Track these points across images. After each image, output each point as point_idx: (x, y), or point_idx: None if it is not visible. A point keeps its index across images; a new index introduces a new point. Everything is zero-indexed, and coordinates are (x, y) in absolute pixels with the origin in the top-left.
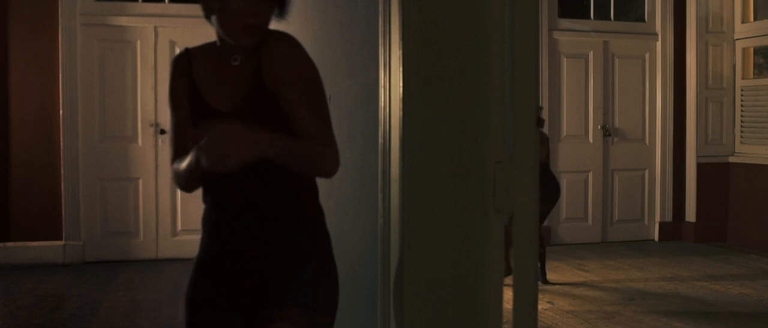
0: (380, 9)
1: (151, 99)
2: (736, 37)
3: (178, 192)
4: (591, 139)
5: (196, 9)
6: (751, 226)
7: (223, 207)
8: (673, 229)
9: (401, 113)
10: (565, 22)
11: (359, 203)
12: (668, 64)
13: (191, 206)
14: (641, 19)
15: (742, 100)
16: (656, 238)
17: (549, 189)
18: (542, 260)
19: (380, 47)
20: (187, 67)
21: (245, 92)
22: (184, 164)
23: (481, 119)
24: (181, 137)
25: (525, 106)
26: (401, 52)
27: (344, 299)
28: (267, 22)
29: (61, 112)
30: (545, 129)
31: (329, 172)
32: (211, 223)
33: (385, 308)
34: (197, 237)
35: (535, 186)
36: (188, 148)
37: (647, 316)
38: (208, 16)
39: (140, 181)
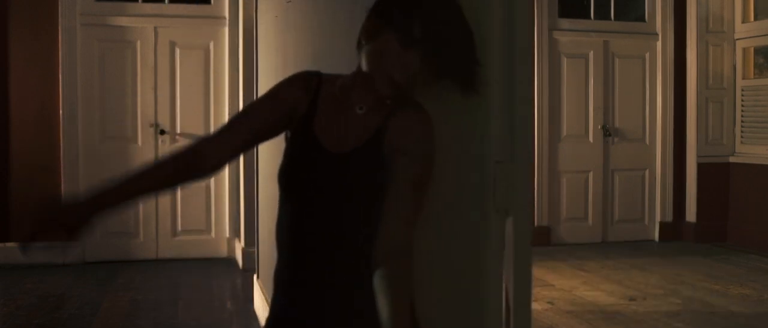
0: None
1: (151, 99)
2: (736, 37)
3: (178, 193)
4: (591, 139)
5: (196, 9)
6: (751, 226)
7: (298, 266)
8: (674, 229)
9: None
10: (566, 22)
11: None
12: (668, 64)
13: (191, 206)
14: (641, 19)
15: (742, 100)
16: (656, 238)
17: None
18: None
19: None
20: (315, 87)
21: (362, 142)
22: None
23: (481, 119)
24: (236, 132)
25: (525, 106)
26: None
27: None
28: (411, 83)
29: (61, 112)
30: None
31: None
32: (283, 280)
33: None
34: (197, 237)
35: (531, 185)
36: (232, 146)
37: (647, 316)
38: (358, 48)
39: None
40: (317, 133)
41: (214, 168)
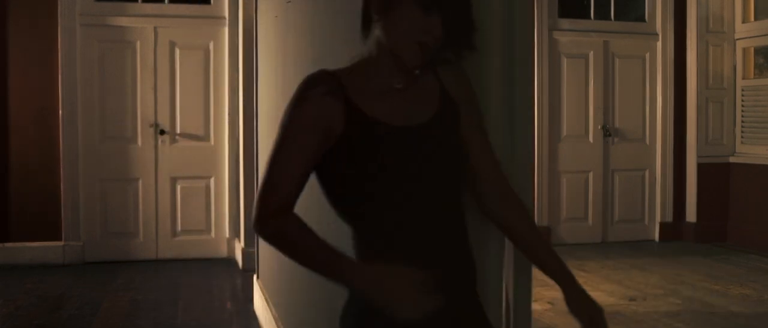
0: None
1: (151, 99)
2: (736, 37)
3: (178, 192)
4: (591, 139)
5: (196, 9)
6: (751, 226)
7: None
8: (674, 229)
9: None
10: (566, 22)
11: None
12: (668, 64)
13: (191, 207)
14: (641, 19)
15: (742, 100)
16: (657, 238)
17: None
18: None
19: None
20: (337, 87)
21: (434, 110)
22: (320, 252)
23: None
24: (294, 175)
25: (525, 107)
26: None
27: (344, 298)
28: (438, 43)
29: (60, 112)
30: None
31: None
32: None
33: None
34: (197, 237)
35: (531, 185)
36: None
37: (647, 316)
38: (366, 27)
39: (140, 181)
40: (380, 117)
41: None
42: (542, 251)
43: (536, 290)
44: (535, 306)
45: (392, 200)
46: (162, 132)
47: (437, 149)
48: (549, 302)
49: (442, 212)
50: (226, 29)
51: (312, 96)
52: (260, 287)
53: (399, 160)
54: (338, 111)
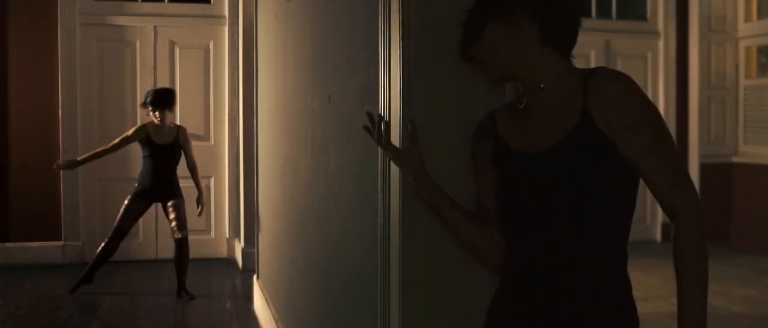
0: (380, 9)
1: None
2: (739, 36)
3: None
4: None
5: (196, 9)
6: (754, 226)
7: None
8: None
9: (401, 113)
10: None
11: (359, 203)
12: (670, 64)
13: (191, 206)
14: (643, 18)
15: (745, 100)
16: (659, 238)
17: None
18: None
19: (380, 47)
20: (490, 127)
21: (565, 134)
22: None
23: (481, 119)
24: (481, 202)
25: None
26: (401, 52)
27: (344, 298)
28: (514, 59)
29: (60, 112)
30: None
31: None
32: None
33: (385, 308)
34: (197, 237)
35: None
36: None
37: (649, 317)
38: (469, 58)
39: None
40: (514, 147)
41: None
42: (689, 295)
43: None
44: None
45: (518, 221)
46: None
47: (560, 177)
48: None
49: (572, 236)
50: (226, 29)
51: (473, 139)
52: (260, 287)
53: (520, 184)
54: (488, 148)
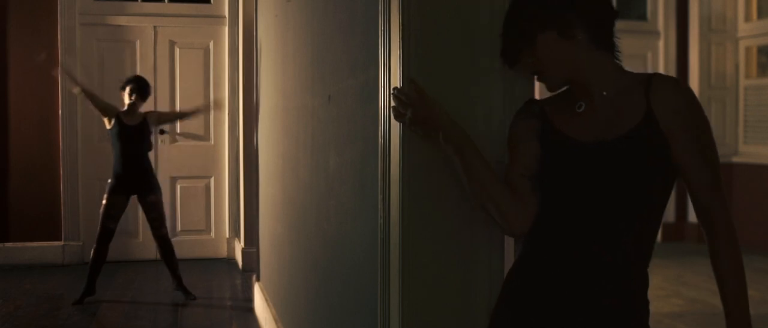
0: (380, 9)
1: (151, 99)
2: (739, 36)
3: (178, 192)
4: None
5: (196, 9)
6: (754, 227)
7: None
8: (676, 230)
9: None
10: None
11: (359, 203)
12: (670, 63)
13: (191, 207)
14: (643, 17)
15: (745, 100)
16: (659, 239)
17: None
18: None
19: (380, 47)
20: (538, 111)
21: (627, 130)
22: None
23: (482, 119)
24: (516, 179)
25: None
26: (401, 52)
27: (344, 299)
28: (572, 67)
29: (60, 112)
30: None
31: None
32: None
33: (385, 308)
34: (196, 238)
35: None
36: (514, 184)
37: (650, 317)
38: (513, 64)
39: None
40: (569, 133)
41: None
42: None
43: None
44: None
45: (563, 206)
46: (162, 132)
47: (617, 167)
48: None
49: (609, 227)
50: (226, 28)
51: (518, 115)
52: (260, 288)
53: (570, 168)
54: (534, 126)
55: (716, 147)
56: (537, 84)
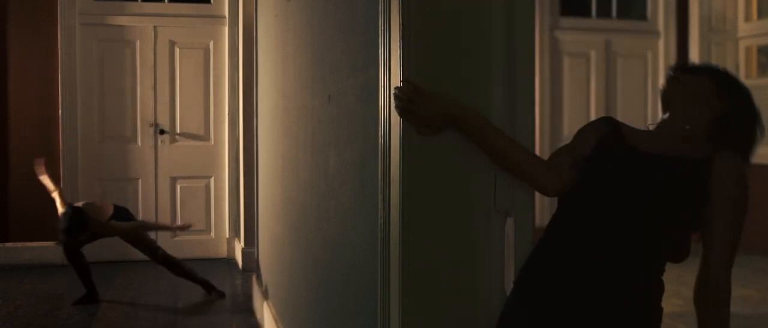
0: (380, 9)
1: (151, 99)
2: (739, 36)
3: (178, 192)
4: None
5: (196, 9)
6: (754, 227)
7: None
8: None
9: None
10: (567, 21)
11: (359, 203)
12: (670, 64)
13: (191, 206)
14: (643, 17)
15: None
16: None
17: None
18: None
19: (380, 47)
20: (612, 124)
21: (683, 156)
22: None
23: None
24: (559, 153)
25: (526, 106)
26: (401, 52)
27: (344, 299)
28: (699, 110)
29: (60, 112)
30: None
31: None
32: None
33: (385, 308)
34: (196, 238)
35: None
36: (558, 163)
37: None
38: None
39: (140, 181)
40: (638, 145)
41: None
42: None
43: None
44: None
45: (599, 207)
46: (162, 132)
47: (663, 179)
48: None
49: (637, 233)
50: (226, 28)
51: (598, 121)
52: (260, 288)
53: (624, 174)
54: (603, 132)
55: (743, 228)
56: (537, 84)
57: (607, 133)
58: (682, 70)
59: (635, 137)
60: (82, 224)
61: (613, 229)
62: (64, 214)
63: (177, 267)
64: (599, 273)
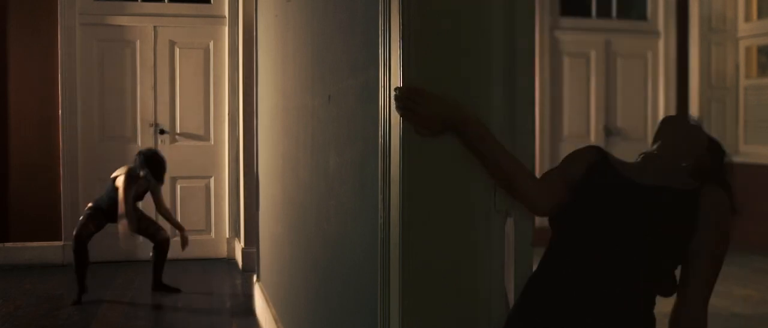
0: (380, 9)
1: (151, 99)
2: (739, 36)
3: (178, 192)
4: (593, 139)
5: (196, 9)
6: (754, 227)
7: (561, 284)
8: None
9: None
10: (567, 21)
11: (359, 203)
12: (671, 63)
13: (191, 206)
14: (643, 17)
15: (745, 100)
16: None
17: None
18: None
19: (380, 47)
20: (600, 154)
21: (678, 186)
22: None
23: (483, 119)
24: (549, 175)
25: (526, 106)
26: (401, 52)
27: (344, 299)
28: (689, 152)
29: (60, 112)
30: None
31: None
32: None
33: (385, 308)
34: (196, 237)
35: None
36: (548, 183)
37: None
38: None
39: None
40: (626, 173)
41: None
42: None
43: None
44: None
45: (596, 234)
46: (162, 132)
47: (656, 209)
48: None
49: (631, 262)
50: (226, 29)
51: (581, 151)
52: (260, 288)
53: (618, 203)
54: (591, 159)
55: (719, 272)
56: (537, 84)
57: (597, 161)
58: (681, 117)
59: (625, 167)
60: (161, 164)
61: (612, 258)
62: (140, 153)
63: (159, 251)
64: (599, 302)
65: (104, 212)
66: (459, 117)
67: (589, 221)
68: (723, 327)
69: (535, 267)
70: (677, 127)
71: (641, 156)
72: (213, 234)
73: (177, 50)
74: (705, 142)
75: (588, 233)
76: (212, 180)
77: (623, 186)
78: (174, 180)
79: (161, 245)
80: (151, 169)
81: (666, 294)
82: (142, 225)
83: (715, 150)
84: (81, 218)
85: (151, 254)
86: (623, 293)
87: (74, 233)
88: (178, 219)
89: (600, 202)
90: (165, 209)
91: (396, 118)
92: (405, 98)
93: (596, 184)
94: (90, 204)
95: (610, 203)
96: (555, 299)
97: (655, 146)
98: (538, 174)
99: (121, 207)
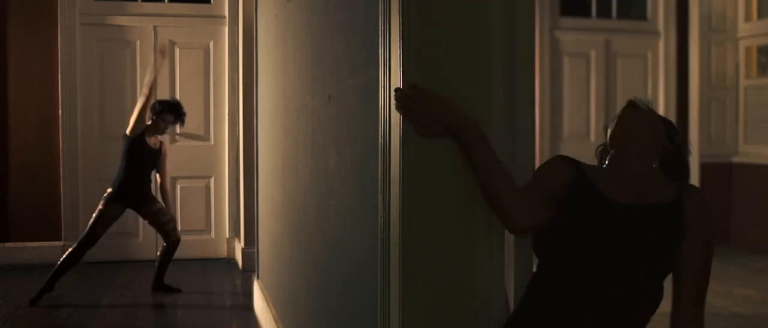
0: (380, 8)
1: (151, 99)
2: (739, 36)
3: (178, 192)
4: (592, 139)
5: (196, 9)
6: (754, 227)
7: (564, 295)
8: None
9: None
10: (567, 21)
11: (359, 203)
12: (670, 63)
13: (191, 206)
14: (643, 17)
15: (745, 100)
16: None
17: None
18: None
19: (380, 47)
20: (576, 166)
21: (654, 203)
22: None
23: (481, 119)
24: (529, 192)
25: (526, 106)
26: (401, 52)
27: (344, 299)
28: (652, 147)
29: (60, 112)
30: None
31: None
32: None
33: (385, 308)
34: (196, 237)
35: None
36: (526, 198)
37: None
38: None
39: None
40: (605, 192)
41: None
42: None
43: None
44: None
45: (584, 255)
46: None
47: (640, 230)
48: None
49: (622, 282)
50: (226, 29)
51: (555, 161)
52: (260, 287)
53: (602, 225)
54: (565, 174)
55: (710, 269)
56: (537, 83)
57: (575, 178)
58: (630, 107)
59: (602, 182)
60: (179, 104)
61: (604, 282)
62: (177, 104)
63: (169, 250)
64: (592, 317)
65: (126, 192)
66: (460, 123)
67: (578, 245)
68: (723, 327)
69: (534, 268)
70: (637, 121)
71: (600, 148)
72: (213, 234)
73: (177, 50)
74: (662, 127)
75: (578, 257)
76: (212, 180)
77: (610, 209)
78: (174, 180)
79: (172, 246)
80: (170, 110)
81: (655, 302)
82: (162, 219)
83: (669, 129)
84: (98, 211)
85: (158, 252)
86: (615, 311)
87: (87, 231)
88: (178, 219)
89: (587, 226)
90: (166, 189)
91: (396, 118)
92: (407, 97)
93: (581, 207)
94: (109, 190)
95: (598, 228)
96: (548, 318)
97: (614, 150)
98: None
99: (149, 84)
